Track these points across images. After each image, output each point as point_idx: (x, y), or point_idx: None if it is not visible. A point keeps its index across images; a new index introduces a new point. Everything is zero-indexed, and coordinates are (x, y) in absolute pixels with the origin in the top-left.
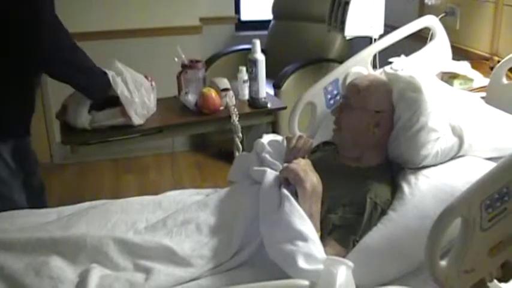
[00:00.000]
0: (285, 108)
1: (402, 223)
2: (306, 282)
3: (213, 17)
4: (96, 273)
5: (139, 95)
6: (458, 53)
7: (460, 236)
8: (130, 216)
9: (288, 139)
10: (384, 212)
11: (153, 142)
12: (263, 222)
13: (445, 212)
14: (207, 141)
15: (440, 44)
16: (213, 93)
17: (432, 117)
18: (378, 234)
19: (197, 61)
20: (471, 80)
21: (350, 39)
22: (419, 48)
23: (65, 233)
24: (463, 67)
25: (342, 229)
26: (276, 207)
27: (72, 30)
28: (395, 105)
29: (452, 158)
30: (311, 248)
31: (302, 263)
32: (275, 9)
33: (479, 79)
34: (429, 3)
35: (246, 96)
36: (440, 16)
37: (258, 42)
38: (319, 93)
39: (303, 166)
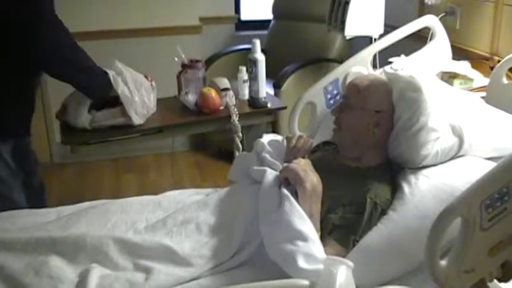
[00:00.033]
0: (285, 108)
1: (402, 223)
2: (306, 282)
3: (213, 17)
4: (96, 273)
5: (139, 94)
6: (458, 53)
7: (460, 236)
8: (130, 216)
9: (288, 139)
10: (383, 212)
11: (153, 142)
12: (263, 222)
13: (445, 212)
14: (207, 141)
15: (440, 43)
16: (213, 93)
17: (432, 117)
18: (378, 234)
19: (197, 61)
20: (471, 79)
21: (350, 39)
22: (419, 48)
23: (65, 232)
24: (463, 67)
25: (342, 229)
26: (276, 207)
27: (72, 29)
28: (395, 105)
29: (452, 158)
30: (311, 248)
31: (302, 263)
32: (275, 9)
33: (479, 79)
34: (429, 3)
35: (246, 96)
36: (440, 16)
37: (258, 42)
38: (319, 93)
39: (303, 166)
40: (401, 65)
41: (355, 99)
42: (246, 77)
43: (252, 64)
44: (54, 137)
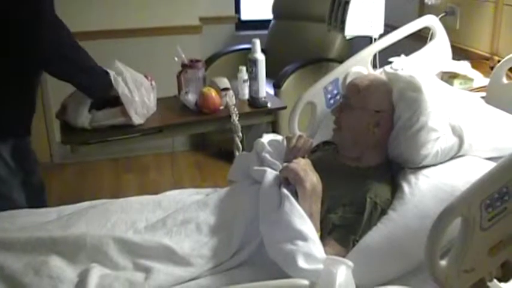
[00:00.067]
0: (285, 107)
1: (402, 223)
2: (306, 282)
3: (213, 17)
4: (96, 272)
5: (139, 94)
6: (458, 53)
7: (460, 236)
8: (130, 215)
9: (288, 139)
10: (383, 212)
11: (153, 142)
12: (263, 222)
13: (445, 212)
14: (207, 140)
15: (440, 43)
16: (213, 92)
17: (432, 117)
18: (377, 234)
19: (197, 61)
20: (471, 79)
21: (350, 39)
22: (419, 48)
23: (65, 232)
24: (463, 67)
25: (341, 229)
26: (276, 206)
27: (72, 29)
28: (395, 105)
29: (452, 158)
30: (311, 248)
31: (302, 263)
32: (275, 9)
33: (479, 79)
34: (429, 3)
35: (246, 96)
36: (440, 16)
37: (258, 42)
38: (319, 93)
39: (302, 166)
40: (401, 65)
41: (355, 99)
42: (246, 76)
43: (252, 64)
44: (54, 136)
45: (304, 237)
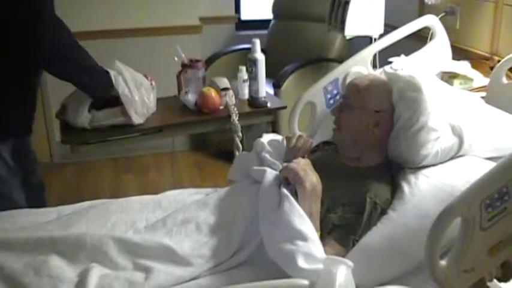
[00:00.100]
0: (284, 107)
1: (402, 223)
2: (306, 282)
3: (213, 17)
4: (96, 272)
5: (139, 94)
6: (458, 53)
7: (459, 236)
8: (130, 215)
9: (288, 138)
10: (383, 212)
11: (153, 141)
12: (263, 222)
13: (445, 212)
14: (206, 140)
15: (440, 43)
16: (212, 92)
17: (432, 117)
18: (377, 233)
19: (197, 60)
20: (471, 79)
21: (350, 39)
22: (419, 48)
23: (65, 232)
24: (463, 67)
25: (341, 229)
26: (275, 206)
27: (73, 29)
28: (395, 105)
29: (452, 158)
30: (311, 248)
31: (302, 263)
32: (275, 9)
33: (479, 79)
34: (429, 3)
35: (246, 96)
36: (440, 16)
37: (257, 42)
38: (319, 93)
39: (302, 166)
40: (401, 65)
41: (355, 99)
42: (245, 76)
43: (251, 64)
44: (54, 136)
45: (304, 237)
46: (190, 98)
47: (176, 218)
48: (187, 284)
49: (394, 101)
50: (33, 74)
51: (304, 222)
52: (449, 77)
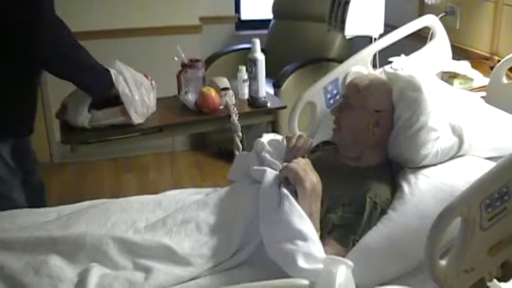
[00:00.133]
0: (284, 107)
1: (402, 222)
2: (306, 282)
3: (213, 16)
4: (96, 272)
5: (139, 93)
6: (458, 53)
7: (459, 236)
8: (130, 215)
9: (288, 138)
10: (383, 212)
11: (153, 141)
12: (263, 222)
13: (445, 212)
14: (206, 140)
15: (440, 43)
16: (212, 92)
17: (432, 117)
18: (377, 233)
19: (197, 60)
20: (471, 79)
21: (350, 39)
22: (419, 47)
23: (65, 232)
24: (463, 67)
25: (341, 228)
26: (275, 206)
27: (73, 29)
28: (395, 105)
29: (452, 158)
30: (311, 248)
31: (302, 263)
32: (275, 9)
33: (479, 79)
34: (429, 3)
35: (246, 96)
36: (440, 15)
37: (257, 42)
38: (319, 93)
39: (302, 165)
40: (401, 65)
41: (355, 98)
42: (245, 76)
43: (251, 63)
44: (54, 136)
45: (304, 237)
46: (190, 97)
47: (176, 218)
48: (187, 283)
49: (394, 100)
50: (34, 73)
51: (304, 222)
52: (449, 77)
